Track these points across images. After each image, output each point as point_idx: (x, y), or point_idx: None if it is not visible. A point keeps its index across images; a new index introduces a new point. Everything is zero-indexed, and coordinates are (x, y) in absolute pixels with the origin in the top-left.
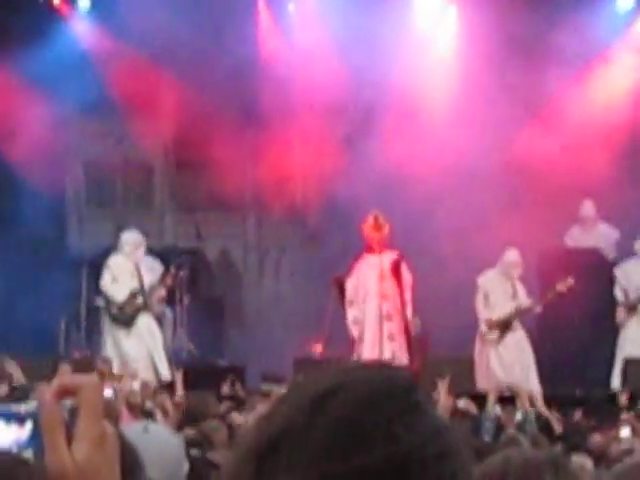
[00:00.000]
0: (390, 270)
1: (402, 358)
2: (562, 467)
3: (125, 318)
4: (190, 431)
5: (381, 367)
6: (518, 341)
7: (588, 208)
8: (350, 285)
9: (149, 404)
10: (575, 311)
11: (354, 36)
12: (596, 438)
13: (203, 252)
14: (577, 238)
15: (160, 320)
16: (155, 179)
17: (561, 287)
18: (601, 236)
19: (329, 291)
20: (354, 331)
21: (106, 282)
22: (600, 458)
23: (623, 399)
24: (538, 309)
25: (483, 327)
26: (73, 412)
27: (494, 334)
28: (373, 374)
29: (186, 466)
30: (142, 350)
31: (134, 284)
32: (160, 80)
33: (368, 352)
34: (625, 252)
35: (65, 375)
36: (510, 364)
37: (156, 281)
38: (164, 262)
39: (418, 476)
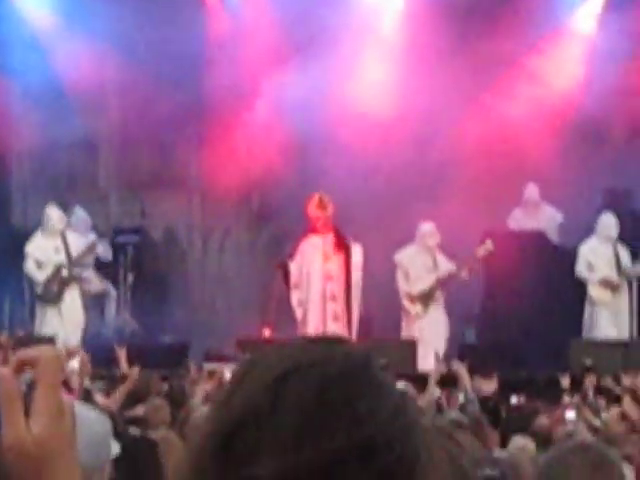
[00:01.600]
0: (334, 250)
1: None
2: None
3: (51, 295)
4: (132, 410)
5: (336, 343)
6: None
7: (532, 191)
8: (294, 267)
9: (87, 383)
10: (518, 293)
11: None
12: (542, 420)
13: (147, 231)
14: (520, 220)
15: (103, 298)
16: (100, 158)
17: (481, 251)
18: (545, 219)
19: (274, 274)
20: (298, 313)
21: (29, 268)
22: (546, 441)
23: (565, 382)
24: (464, 274)
25: (405, 302)
26: (31, 386)
27: (417, 308)
28: (330, 351)
29: (116, 447)
30: (71, 326)
31: (60, 258)
32: (106, 61)
33: (312, 333)
34: (568, 235)
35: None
36: (429, 340)
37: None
38: (110, 240)
39: (384, 455)
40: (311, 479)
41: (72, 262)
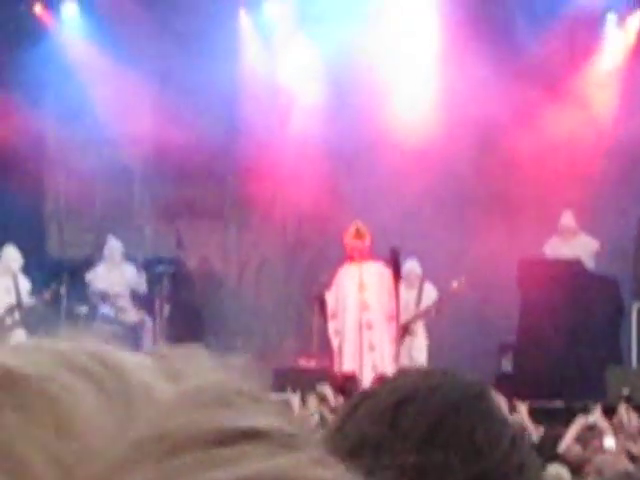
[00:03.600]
0: (380, 281)
1: (383, 368)
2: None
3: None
4: None
5: (449, 374)
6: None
7: (568, 218)
8: (331, 298)
9: None
10: (554, 321)
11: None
12: (574, 449)
13: (183, 261)
14: (556, 248)
15: (139, 328)
16: (135, 188)
17: (454, 285)
18: (581, 246)
19: (311, 304)
20: (335, 342)
21: None
22: (579, 469)
23: (597, 416)
24: (433, 312)
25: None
26: None
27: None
28: (446, 380)
29: None
30: None
31: (10, 299)
32: (141, 89)
33: (349, 363)
34: (604, 262)
35: None
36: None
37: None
38: (146, 271)
39: None
40: None
41: (20, 306)
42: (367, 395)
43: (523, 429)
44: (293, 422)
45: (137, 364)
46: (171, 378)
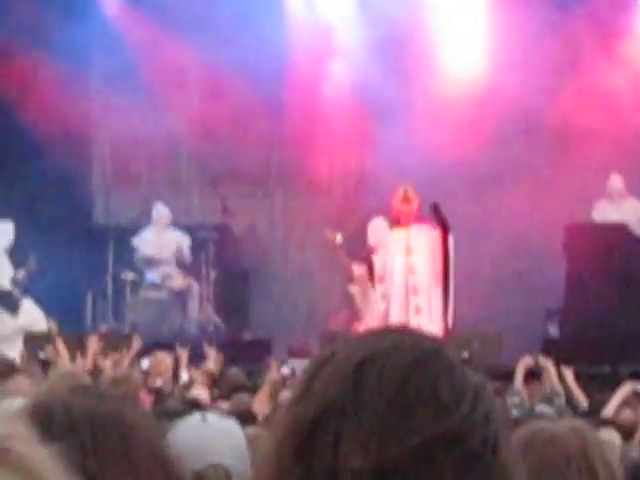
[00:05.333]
0: (428, 244)
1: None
2: (589, 439)
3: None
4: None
5: (405, 332)
6: None
7: (616, 181)
8: (378, 261)
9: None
10: (601, 286)
11: None
12: (626, 414)
13: (229, 227)
14: (605, 212)
15: (186, 294)
16: (181, 154)
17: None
18: (629, 211)
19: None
20: (381, 307)
21: None
22: (629, 434)
23: None
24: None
25: None
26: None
27: None
28: (401, 339)
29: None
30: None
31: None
32: (186, 55)
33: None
34: None
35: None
36: None
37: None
38: (192, 237)
39: (468, 442)
40: (396, 470)
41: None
42: (327, 359)
43: (486, 380)
44: None
45: None
46: None
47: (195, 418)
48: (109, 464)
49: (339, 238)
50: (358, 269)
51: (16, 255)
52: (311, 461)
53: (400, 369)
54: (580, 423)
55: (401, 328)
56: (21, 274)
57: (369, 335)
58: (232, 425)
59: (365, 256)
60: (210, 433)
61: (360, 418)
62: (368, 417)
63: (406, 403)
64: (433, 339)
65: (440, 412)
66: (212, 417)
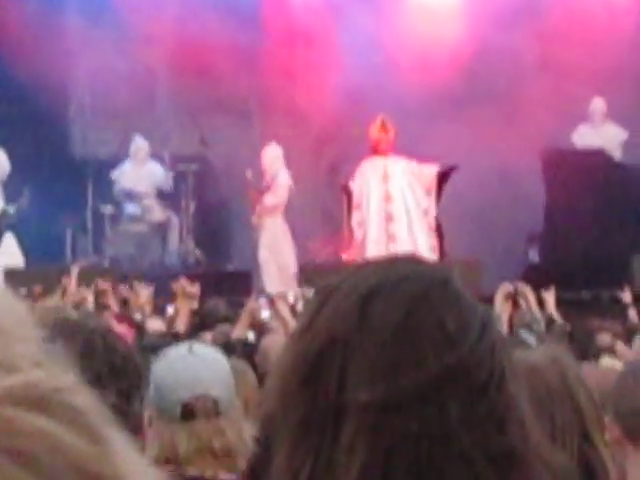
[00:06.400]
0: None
1: None
2: (568, 369)
3: None
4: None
5: (414, 262)
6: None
7: (598, 104)
8: (356, 188)
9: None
10: (580, 211)
11: None
12: (604, 338)
13: (208, 158)
14: (585, 136)
15: (166, 227)
16: (159, 86)
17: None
18: (609, 136)
19: (336, 198)
20: (358, 233)
21: None
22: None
23: (627, 296)
24: None
25: None
26: None
27: None
28: (410, 269)
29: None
30: None
31: None
32: None
33: (371, 254)
34: (632, 153)
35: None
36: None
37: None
38: (171, 170)
39: (475, 373)
40: (403, 403)
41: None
42: (333, 289)
43: (492, 311)
44: None
45: None
46: None
47: (182, 349)
48: None
49: (249, 174)
50: (270, 200)
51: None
52: (316, 394)
53: (406, 301)
54: (559, 351)
55: (408, 258)
56: (12, 208)
57: (374, 265)
58: (218, 355)
59: (344, 184)
60: (197, 364)
61: (365, 351)
62: (373, 350)
63: (411, 336)
64: (440, 269)
65: (446, 344)
66: (198, 348)
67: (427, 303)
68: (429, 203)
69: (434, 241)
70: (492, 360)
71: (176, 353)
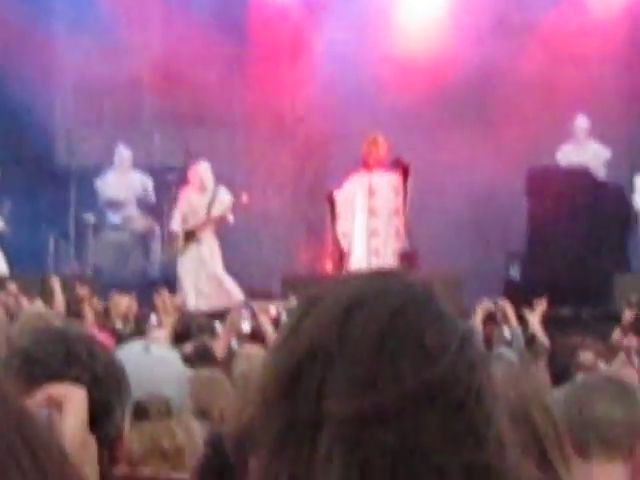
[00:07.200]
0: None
1: None
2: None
3: None
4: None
5: (396, 275)
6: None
7: (582, 120)
8: (340, 198)
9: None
10: (562, 229)
11: None
12: (587, 356)
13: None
14: (569, 154)
15: (148, 236)
16: (144, 96)
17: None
18: (591, 154)
19: (320, 211)
20: (344, 243)
21: None
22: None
23: (628, 316)
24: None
25: None
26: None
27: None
28: (391, 282)
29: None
30: None
31: None
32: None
33: (356, 267)
34: (615, 171)
35: (52, 387)
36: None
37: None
38: (155, 180)
39: (453, 390)
40: (381, 417)
41: None
42: (314, 301)
43: (473, 328)
44: None
45: None
46: None
47: (137, 346)
48: None
49: (245, 198)
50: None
51: None
52: (296, 405)
53: (386, 315)
54: (519, 369)
55: (391, 272)
56: None
57: (357, 278)
58: (173, 357)
59: (328, 194)
60: (151, 363)
61: (345, 363)
62: (352, 363)
63: (391, 350)
64: (422, 284)
65: (425, 360)
66: (155, 347)
67: (407, 318)
68: (398, 203)
69: (401, 245)
70: (471, 376)
71: (131, 350)
